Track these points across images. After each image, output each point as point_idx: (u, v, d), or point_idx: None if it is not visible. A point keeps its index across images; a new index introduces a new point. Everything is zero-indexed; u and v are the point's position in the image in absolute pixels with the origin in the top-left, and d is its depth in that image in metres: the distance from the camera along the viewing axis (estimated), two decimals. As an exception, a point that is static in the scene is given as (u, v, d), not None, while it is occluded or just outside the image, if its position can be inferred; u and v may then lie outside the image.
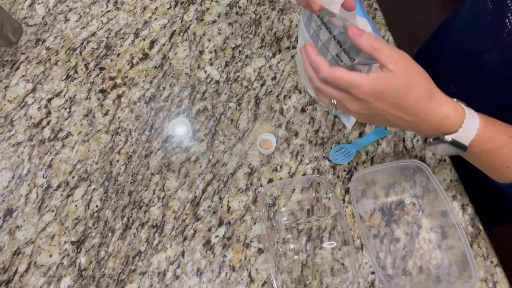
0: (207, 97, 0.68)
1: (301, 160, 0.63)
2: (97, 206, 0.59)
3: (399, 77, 0.39)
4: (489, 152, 0.44)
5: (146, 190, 0.61)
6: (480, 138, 0.43)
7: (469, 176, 0.63)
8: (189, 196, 0.60)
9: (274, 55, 0.71)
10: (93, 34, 0.73)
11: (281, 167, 0.62)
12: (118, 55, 0.71)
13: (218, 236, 0.58)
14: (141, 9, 0.76)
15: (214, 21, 0.75)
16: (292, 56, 0.71)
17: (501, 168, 0.45)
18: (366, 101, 0.41)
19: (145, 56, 0.71)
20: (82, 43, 0.72)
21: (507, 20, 0.47)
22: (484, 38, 0.53)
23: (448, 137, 0.43)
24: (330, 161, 0.62)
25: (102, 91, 0.68)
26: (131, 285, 0.55)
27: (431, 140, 0.45)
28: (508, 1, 0.46)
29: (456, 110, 0.42)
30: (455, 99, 0.44)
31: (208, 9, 0.76)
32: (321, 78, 0.42)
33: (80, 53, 0.71)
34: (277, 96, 0.68)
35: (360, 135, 0.64)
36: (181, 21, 0.75)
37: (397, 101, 0.41)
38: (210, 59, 0.71)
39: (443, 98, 0.42)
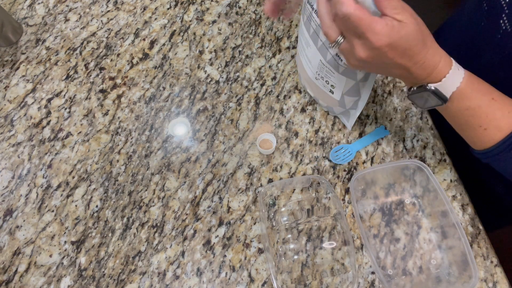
0: (207, 97, 0.68)
1: (301, 160, 0.63)
2: (97, 206, 0.59)
3: (410, 27, 0.39)
4: (468, 110, 0.44)
5: (146, 190, 0.61)
6: (462, 92, 0.43)
7: (469, 176, 0.63)
8: (189, 196, 0.60)
9: (274, 55, 0.71)
10: (93, 34, 0.73)
11: (281, 167, 0.62)
12: (118, 55, 0.71)
13: (218, 236, 0.58)
14: (141, 9, 0.76)
15: (214, 21, 0.75)
16: (292, 56, 0.71)
17: (479, 130, 0.45)
18: (380, 51, 0.40)
19: (145, 56, 0.71)
20: (82, 43, 0.72)
21: (501, 21, 0.47)
22: (481, 39, 0.53)
23: (431, 86, 0.43)
24: (330, 161, 0.62)
25: (102, 91, 0.68)
26: (131, 285, 0.55)
27: (415, 88, 0.45)
28: (503, 2, 0.46)
29: (446, 60, 0.43)
30: None
31: (208, 9, 0.76)
32: (344, 13, 0.38)
33: (80, 53, 0.71)
34: (277, 96, 0.68)
35: (360, 135, 0.64)
36: (181, 21, 0.75)
37: (407, 51, 0.40)
38: (210, 59, 0.71)
39: (437, 46, 0.43)
